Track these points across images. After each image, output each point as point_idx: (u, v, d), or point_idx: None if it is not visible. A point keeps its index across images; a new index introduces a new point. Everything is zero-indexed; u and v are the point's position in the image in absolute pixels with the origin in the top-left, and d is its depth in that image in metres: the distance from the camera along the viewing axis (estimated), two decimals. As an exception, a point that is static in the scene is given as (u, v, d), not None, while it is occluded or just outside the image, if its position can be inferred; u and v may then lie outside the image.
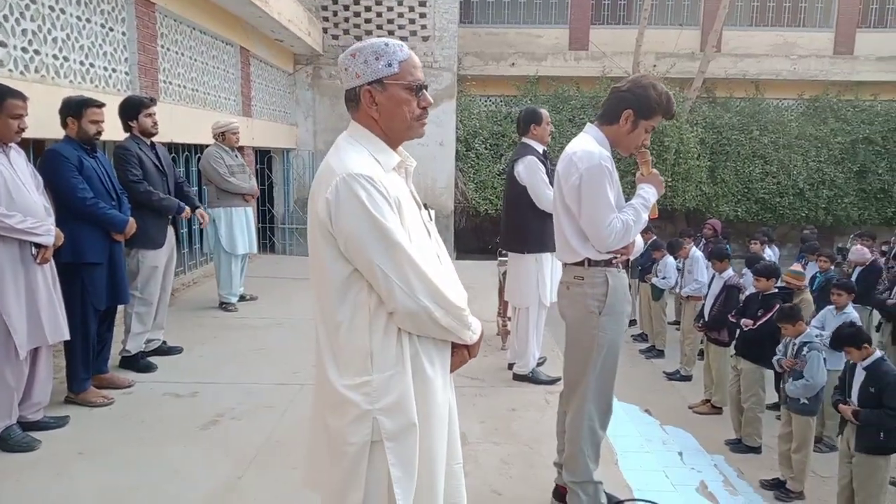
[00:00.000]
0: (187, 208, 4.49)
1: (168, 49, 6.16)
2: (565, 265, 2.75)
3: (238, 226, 5.81)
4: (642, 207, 2.62)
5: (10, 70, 4.01)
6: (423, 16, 10.43)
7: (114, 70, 5.22)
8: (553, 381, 4.29)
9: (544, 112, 4.31)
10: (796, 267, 6.46)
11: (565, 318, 2.78)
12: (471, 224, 12.66)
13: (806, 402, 4.65)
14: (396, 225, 1.58)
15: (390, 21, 10.38)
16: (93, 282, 3.62)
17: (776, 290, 5.60)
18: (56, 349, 3.60)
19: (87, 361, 3.70)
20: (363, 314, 1.60)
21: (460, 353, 1.77)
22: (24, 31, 4.13)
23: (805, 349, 4.66)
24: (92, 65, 4.91)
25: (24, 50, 4.14)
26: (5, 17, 3.95)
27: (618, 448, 3.71)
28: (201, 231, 6.90)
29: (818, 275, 7.14)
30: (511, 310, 4.69)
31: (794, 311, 4.89)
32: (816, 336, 4.91)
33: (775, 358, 4.98)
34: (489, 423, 3.72)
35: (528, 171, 4.13)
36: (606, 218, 2.51)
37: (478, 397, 4.09)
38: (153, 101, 4.35)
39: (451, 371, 1.77)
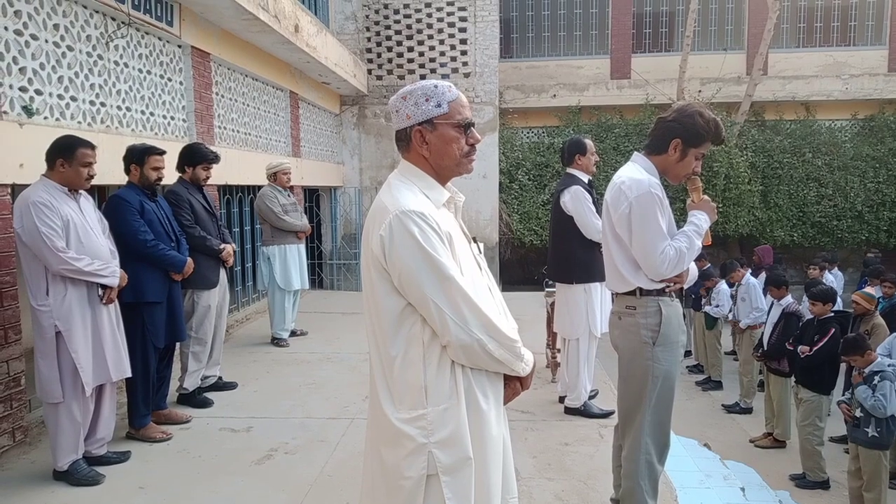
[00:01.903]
0: (228, 248, 4.52)
1: (222, 96, 6.46)
2: (617, 295, 2.71)
3: (292, 262, 5.96)
4: (695, 234, 2.58)
5: (79, 122, 4.27)
6: (464, 53, 10.64)
7: (172, 118, 5.49)
8: (606, 415, 4.19)
9: (589, 142, 4.31)
10: (868, 289, 6.18)
11: (618, 349, 2.73)
12: (515, 255, 12.63)
13: (876, 434, 4.40)
14: (449, 259, 1.60)
15: (432, 60, 10.62)
16: (153, 320, 3.76)
17: (832, 315, 5.39)
18: (117, 386, 3.73)
19: (148, 398, 3.82)
20: (417, 348, 1.62)
21: (513, 385, 1.77)
22: (92, 86, 4.40)
23: (876, 378, 4.43)
24: (152, 114, 5.19)
25: (91, 103, 4.41)
26: (76, 74, 4.23)
27: (677, 483, 3.59)
28: (254, 269, 7.10)
29: (882, 300, 6.83)
30: (560, 341, 4.63)
31: (860, 342, 4.66)
32: (889, 366, 4.66)
33: (838, 399, 4.78)
34: (542, 457, 3.65)
35: (575, 200, 4.12)
36: (659, 246, 2.47)
37: (529, 431, 4.03)
38: (217, 159, 4.52)
39: (504, 403, 1.77)
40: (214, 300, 4.46)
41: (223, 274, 4.57)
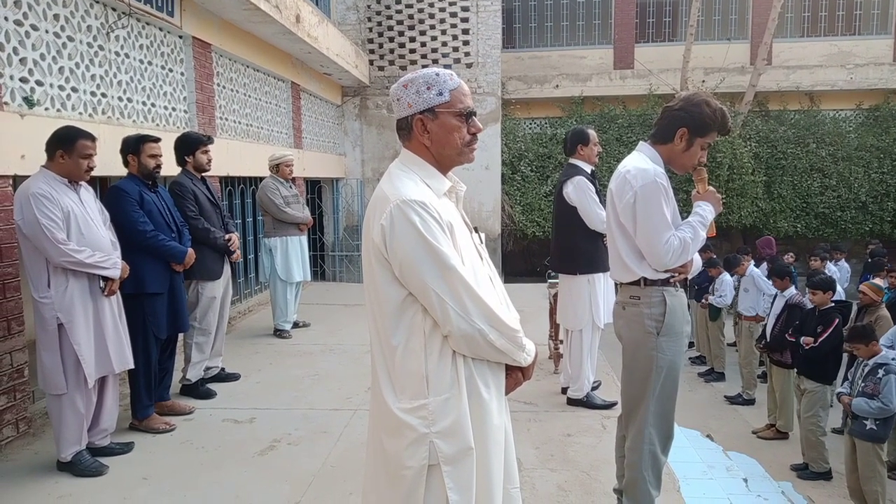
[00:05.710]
0: (234, 237, 4.54)
1: (224, 87, 6.43)
2: (621, 285, 2.69)
3: (294, 254, 5.95)
4: (699, 225, 2.56)
5: (80, 113, 4.26)
6: (466, 43, 10.59)
7: (173, 109, 5.47)
8: (609, 406, 4.19)
9: (592, 132, 4.28)
10: (878, 280, 6.15)
11: (622, 339, 2.71)
12: (518, 247, 12.61)
13: (874, 427, 4.37)
14: (450, 249, 1.59)
15: (434, 50, 10.57)
16: (154, 312, 3.75)
17: (833, 304, 5.36)
18: (121, 378, 3.73)
19: (150, 389, 3.83)
20: (418, 337, 1.61)
21: (514, 375, 1.76)
22: (93, 77, 4.38)
23: (881, 371, 4.41)
24: (153, 104, 5.17)
25: (92, 94, 4.39)
26: (76, 65, 4.21)
27: (680, 474, 3.58)
28: (256, 260, 7.10)
29: (888, 291, 6.80)
30: (563, 332, 4.62)
31: (868, 331, 4.62)
32: (893, 359, 4.63)
33: (837, 390, 4.76)
34: (544, 448, 3.65)
35: (578, 191, 4.09)
36: (663, 235, 2.45)
37: (532, 422, 4.02)
38: (211, 140, 4.53)
39: (506, 394, 1.76)
40: (219, 291, 4.47)
41: (227, 265, 4.57)
